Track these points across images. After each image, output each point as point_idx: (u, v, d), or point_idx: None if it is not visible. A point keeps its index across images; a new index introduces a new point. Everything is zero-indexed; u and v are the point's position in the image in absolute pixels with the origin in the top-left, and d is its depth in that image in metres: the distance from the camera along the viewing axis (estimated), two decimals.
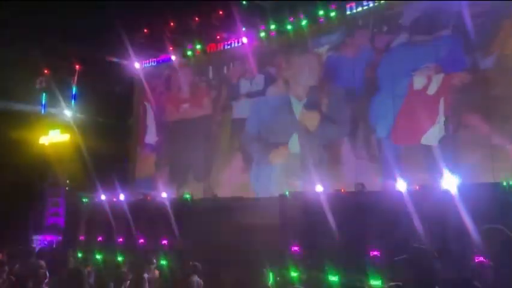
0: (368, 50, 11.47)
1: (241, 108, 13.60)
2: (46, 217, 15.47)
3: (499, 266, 6.12)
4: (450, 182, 7.86)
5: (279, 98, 12.87)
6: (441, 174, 8.15)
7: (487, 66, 9.67)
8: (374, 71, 11.24)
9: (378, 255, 7.97)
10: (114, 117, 15.03)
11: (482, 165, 9.24)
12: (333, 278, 7.52)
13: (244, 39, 13.29)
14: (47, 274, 6.67)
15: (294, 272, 8.25)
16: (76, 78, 15.40)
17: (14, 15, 12.60)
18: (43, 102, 15.75)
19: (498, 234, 7.03)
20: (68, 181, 14.93)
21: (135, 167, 15.58)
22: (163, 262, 9.92)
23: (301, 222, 9.17)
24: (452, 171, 8.84)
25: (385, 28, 11.38)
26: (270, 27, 12.86)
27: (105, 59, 14.85)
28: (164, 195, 11.79)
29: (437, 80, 10.26)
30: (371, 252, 8.03)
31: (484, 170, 9.14)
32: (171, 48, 14.75)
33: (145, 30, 14.76)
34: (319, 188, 9.28)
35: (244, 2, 12.75)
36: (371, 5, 11.46)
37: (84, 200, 13.25)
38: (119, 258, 10.56)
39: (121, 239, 11.85)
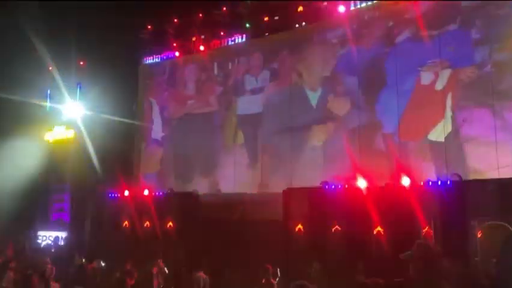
0: (374, 45, 11.40)
1: (248, 104, 13.56)
2: (51, 213, 15.56)
3: (502, 262, 6.10)
4: (453, 178, 7.85)
5: (291, 90, 12.74)
6: (446, 170, 8.12)
7: (496, 60, 9.57)
8: (380, 66, 11.17)
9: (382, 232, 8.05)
10: (119, 113, 15.05)
11: (488, 161, 9.18)
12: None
13: (248, 35, 13.25)
14: (54, 270, 6.70)
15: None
16: (80, 74, 15.44)
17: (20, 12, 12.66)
18: (48, 99, 15.81)
19: (501, 231, 7.01)
20: (73, 177, 14.97)
21: (140, 163, 15.62)
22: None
23: (305, 217, 9.23)
24: (458, 167, 8.83)
25: (391, 23, 11.30)
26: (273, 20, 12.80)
27: (110, 55, 14.86)
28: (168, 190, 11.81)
29: (445, 75, 10.19)
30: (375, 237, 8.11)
31: (489, 166, 9.10)
32: (175, 44, 14.75)
33: (149, 27, 14.76)
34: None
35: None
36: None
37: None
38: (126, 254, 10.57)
39: (128, 233, 11.91)
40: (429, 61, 10.40)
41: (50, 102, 15.85)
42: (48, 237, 14.62)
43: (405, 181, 8.44)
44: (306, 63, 12.56)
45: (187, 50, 14.67)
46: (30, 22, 12.70)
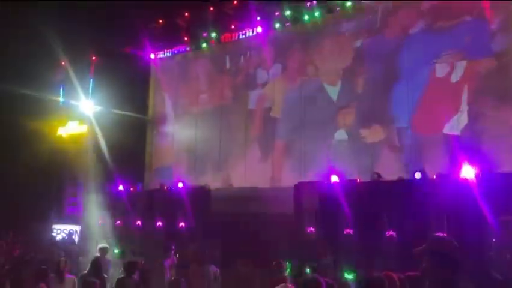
0: (388, 36, 11.22)
1: (260, 98, 13.49)
2: (65, 207, 15.74)
3: None
4: (470, 172, 7.69)
5: (304, 84, 12.61)
6: (462, 164, 7.96)
7: None
8: (394, 58, 11.00)
9: (395, 235, 7.95)
10: (131, 107, 15.10)
11: (505, 154, 8.98)
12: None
13: (259, 29, 13.14)
14: (67, 263, 6.76)
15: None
16: (92, 69, 15.52)
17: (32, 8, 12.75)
18: (61, 94, 15.94)
19: None
20: (85, 171, 15.11)
21: (152, 157, 15.68)
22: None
23: (316, 212, 9.16)
24: (474, 160, 8.64)
25: (404, 14, 11.09)
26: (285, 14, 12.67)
27: (121, 50, 14.90)
28: (180, 185, 11.83)
29: (460, 67, 9.97)
30: (387, 233, 8.00)
31: (507, 160, 8.90)
32: (186, 38, 14.72)
33: (160, 21, 14.74)
34: (334, 178, 9.21)
35: None
36: None
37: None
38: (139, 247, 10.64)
39: (140, 226, 11.98)
40: (444, 53, 10.20)
41: (63, 97, 16.00)
42: (63, 230, 14.78)
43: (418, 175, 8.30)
44: (321, 56, 12.42)
45: (199, 43, 14.64)
46: (43, 18, 12.78)
